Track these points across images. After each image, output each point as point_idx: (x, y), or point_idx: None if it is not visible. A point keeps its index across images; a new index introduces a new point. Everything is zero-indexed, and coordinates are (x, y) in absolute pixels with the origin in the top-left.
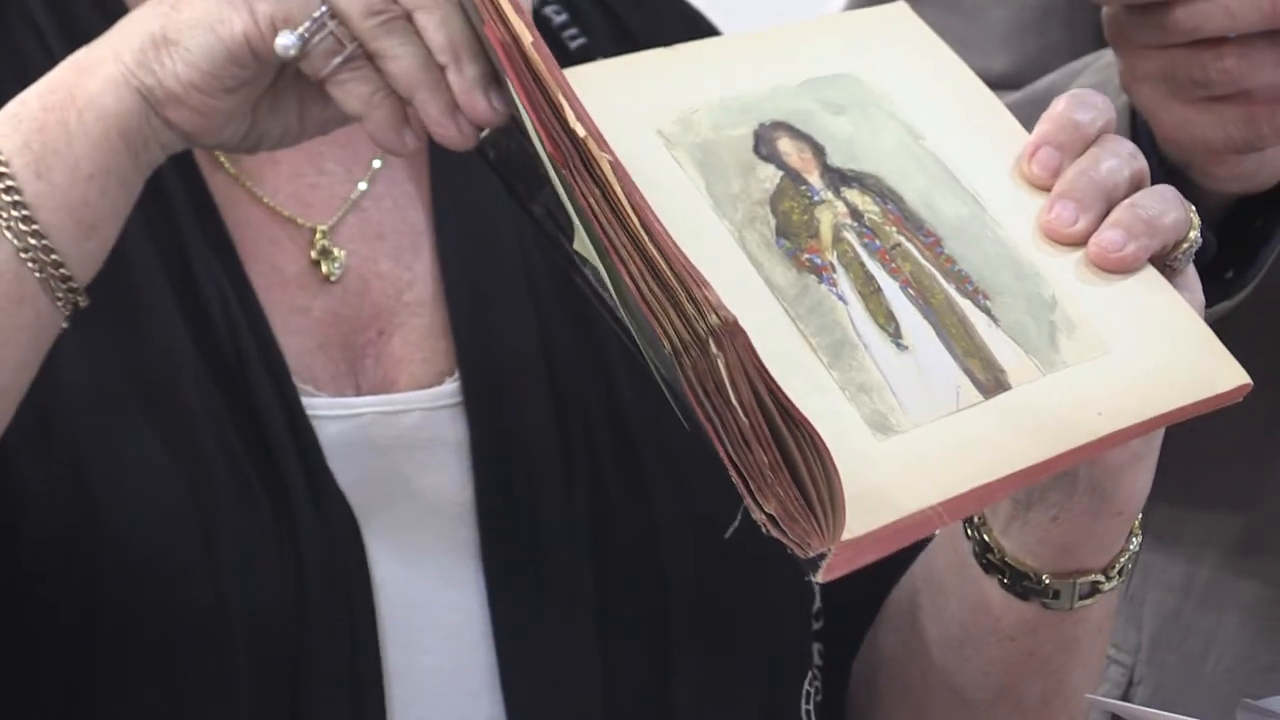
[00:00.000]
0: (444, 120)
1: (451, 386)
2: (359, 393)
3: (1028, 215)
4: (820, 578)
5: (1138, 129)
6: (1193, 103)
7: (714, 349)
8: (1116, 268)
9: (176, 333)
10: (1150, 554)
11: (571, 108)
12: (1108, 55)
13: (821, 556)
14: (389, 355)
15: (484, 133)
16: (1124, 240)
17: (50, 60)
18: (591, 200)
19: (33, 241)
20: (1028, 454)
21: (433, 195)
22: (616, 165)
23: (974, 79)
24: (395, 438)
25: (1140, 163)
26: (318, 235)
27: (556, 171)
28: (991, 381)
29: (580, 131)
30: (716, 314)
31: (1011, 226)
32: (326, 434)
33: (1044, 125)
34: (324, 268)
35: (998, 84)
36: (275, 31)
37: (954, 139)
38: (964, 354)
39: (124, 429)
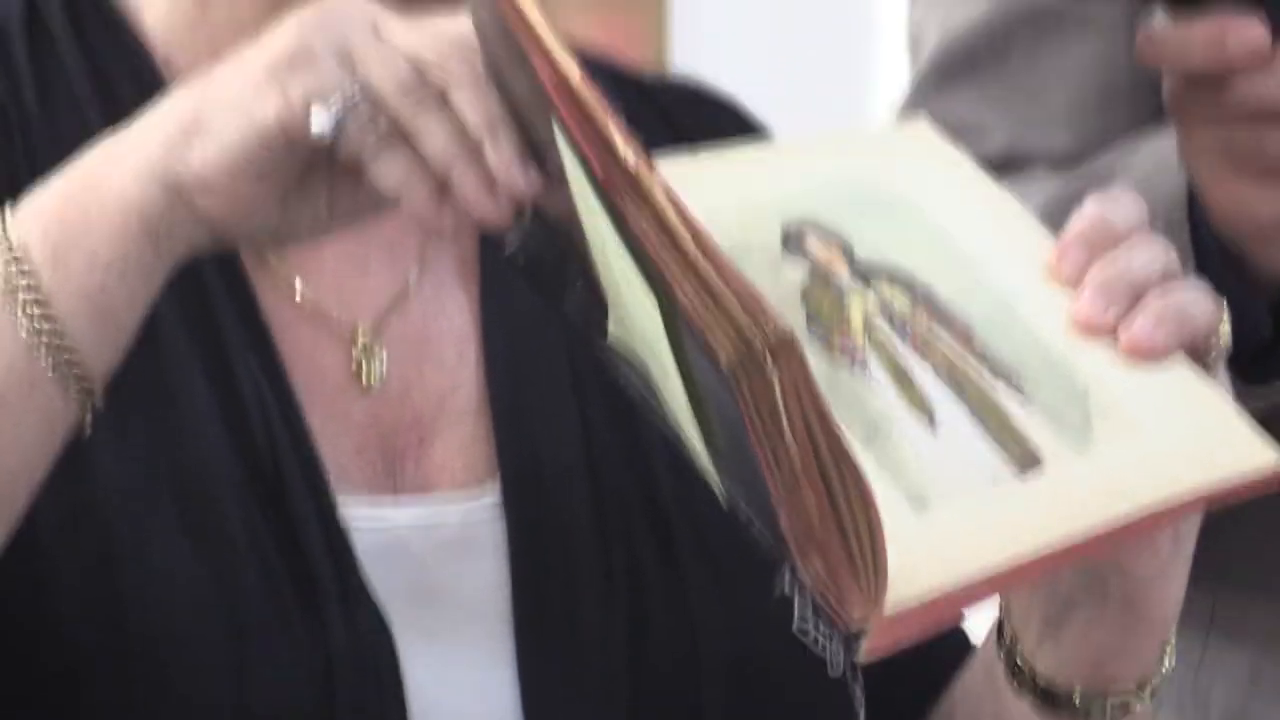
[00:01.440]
0: (481, 196)
1: (491, 492)
2: (396, 498)
3: (1057, 310)
4: (862, 657)
5: (1195, 208)
6: (1249, 177)
7: (770, 366)
8: (1147, 355)
9: (213, 431)
10: (1216, 646)
11: (621, 138)
12: (1166, 133)
13: (862, 633)
14: (429, 461)
15: (513, 231)
16: (1154, 328)
17: None
18: (644, 225)
19: (46, 327)
20: (1065, 532)
21: (482, 300)
22: (668, 189)
23: (998, 186)
24: (432, 543)
25: (1172, 257)
26: (359, 338)
27: (605, 203)
28: (1025, 462)
29: (631, 159)
30: (775, 326)
31: (1041, 319)
32: (361, 539)
33: (1075, 224)
34: (365, 372)
35: (1059, 163)
36: (308, 112)
37: (981, 239)
38: (997, 435)
39: (156, 526)
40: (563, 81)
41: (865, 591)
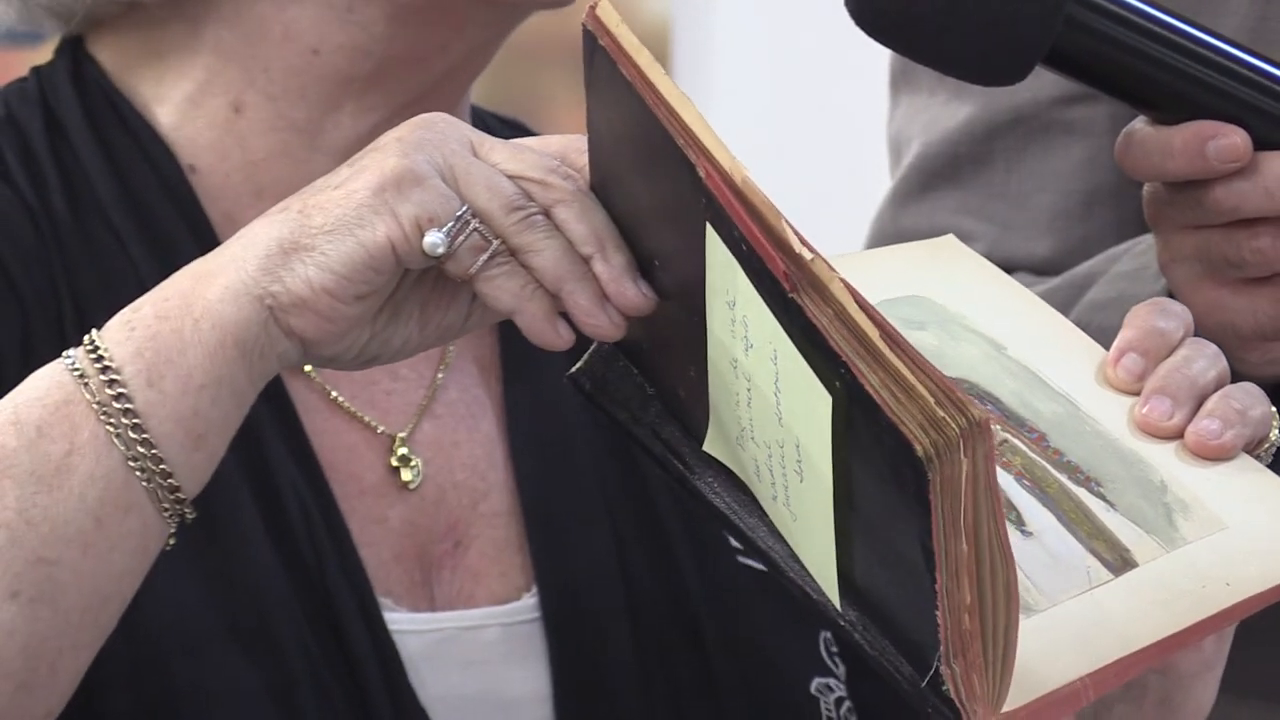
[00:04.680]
0: (594, 310)
1: (530, 602)
2: (434, 605)
3: (1119, 413)
4: None
5: None
6: (1226, 285)
7: (962, 454)
8: (1215, 455)
9: (259, 544)
10: None
11: (795, 234)
12: (1145, 240)
13: None
14: (466, 568)
15: (577, 366)
16: (1221, 429)
17: (132, 267)
18: (824, 319)
19: (141, 450)
20: (1165, 625)
21: (505, 403)
22: (847, 284)
23: (1034, 297)
24: (474, 653)
25: (1223, 363)
26: (396, 442)
27: (776, 300)
28: (1119, 561)
29: (807, 255)
30: (971, 412)
31: (1106, 422)
32: (407, 649)
33: (1127, 332)
34: (403, 475)
35: (1040, 269)
36: (420, 233)
37: (1033, 348)
38: (1088, 536)
39: (209, 644)
40: (729, 180)
41: (990, 691)
